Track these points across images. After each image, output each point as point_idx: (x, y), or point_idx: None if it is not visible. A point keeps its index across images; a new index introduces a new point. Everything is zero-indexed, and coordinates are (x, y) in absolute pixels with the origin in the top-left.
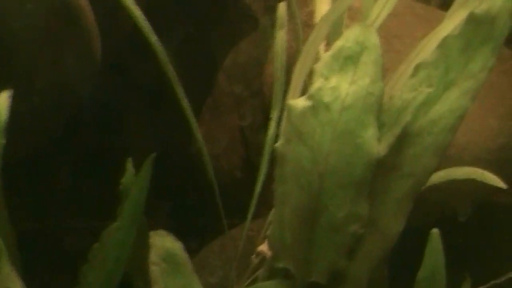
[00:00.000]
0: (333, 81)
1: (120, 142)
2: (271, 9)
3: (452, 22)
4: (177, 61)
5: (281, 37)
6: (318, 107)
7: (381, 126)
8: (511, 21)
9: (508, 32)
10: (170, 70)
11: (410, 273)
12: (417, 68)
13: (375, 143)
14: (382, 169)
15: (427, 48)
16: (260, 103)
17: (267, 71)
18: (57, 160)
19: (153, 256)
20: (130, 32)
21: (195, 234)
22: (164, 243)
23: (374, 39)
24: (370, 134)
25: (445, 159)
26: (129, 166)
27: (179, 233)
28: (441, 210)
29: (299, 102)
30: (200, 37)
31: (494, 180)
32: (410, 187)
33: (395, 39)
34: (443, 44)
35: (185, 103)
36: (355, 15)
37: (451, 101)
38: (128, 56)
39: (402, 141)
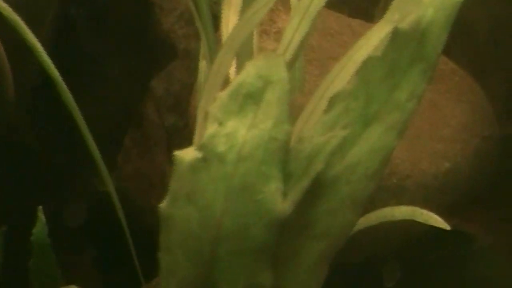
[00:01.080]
0: (229, 126)
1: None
2: None
3: (374, 39)
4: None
5: (203, 67)
6: (210, 159)
7: (287, 177)
8: (446, 34)
9: (442, 49)
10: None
11: None
12: (333, 101)
13: (279, 199)
14: (290, 229)
15: (343, 75)
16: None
17: (193, 103)
18: None
19: None
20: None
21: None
22: None
23: (281, 72)
24: (273, 188)
25: (385, 190)
26: (41, 215)
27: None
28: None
29: (187, 154)
30: (115, 68)
31: (437, 221)
32: (324, 249)
33: (331, 60)
34: (363, 69)
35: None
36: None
37: (373, 140)
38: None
39: (314, 194)
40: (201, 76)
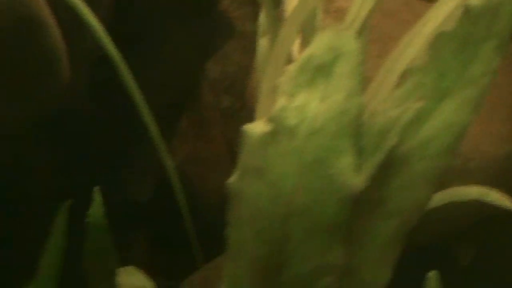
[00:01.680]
0: (300, 99)
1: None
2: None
3: (439, 14)
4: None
5: (262, 45)
6: (280, 132)
7: (360, 152)
8: None
9: None
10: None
11: None
12: (404, 76)
13: (352, 174)
14: (363, 206)
15: (411, 50)
16: (252, 115)
17: (252, 82)
18: None
19: None
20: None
21: (174, 268)
22: (133, 281)
23: (351, 44)
24: (345, 163)
25: (449, 172)
26: (98, 196)
27: (155, 268)
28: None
29: (256, 127)
30: (171, 47)
31: (505, 202)
32: (397, 227)
33: (391, 40)
34: (434, 44)
35: (151, 123)
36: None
37: (447, 115)
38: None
39: (387, 169)
40: (260, 54)
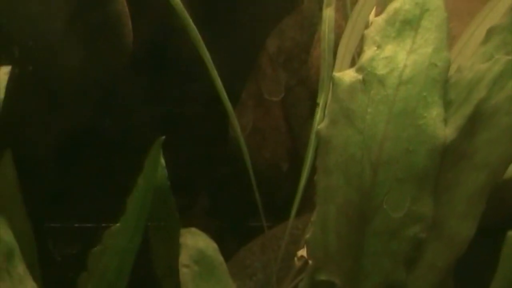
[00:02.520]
0: (388, 50)
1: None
2: None
3: None
4: (214, 42)
5: (328, 15)
6: (370, 81)
7: (448, 104)
8: None
9: None
10: (206, 55)
11: (480, 285)
12: (490, 33)
13: (441, 125)
14: (450, 158)
15: (499, 9)
16: (307, 91)
17: (314, 53)
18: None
19: (184, 258)
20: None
21: (234, 232)
22: (196, 243)
23: (437, 1)
24: (434, 114)
25: None
26: (161, 160)
27: (216, 231)
28: None
29: (346, 75)
30: (238, 16)
31: None
32: (483, 180)
33: (463, 14)
34: None
35: (222, 90)
36: None
37: None
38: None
39: (474, 123)
40: (325, 24)
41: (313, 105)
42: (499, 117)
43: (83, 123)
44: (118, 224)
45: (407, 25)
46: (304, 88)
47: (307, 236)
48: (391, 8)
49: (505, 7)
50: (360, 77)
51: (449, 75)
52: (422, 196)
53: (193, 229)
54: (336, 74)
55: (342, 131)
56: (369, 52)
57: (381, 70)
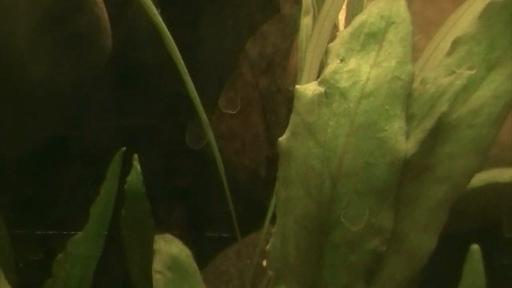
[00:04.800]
0: (352, 63)
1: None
2: None
3: None
4: (191, 48)
5: (306, 24)
6: (332, 94)
7: (410, 117)
8: None
9: None
10: (178, 60)
11: None
12: (455, 44)
13: (402, 138)
14: (411, 171)
15: (464, 19)
16: (286, 98)
17: (292, 61)
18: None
19: (157, 264)
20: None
21: (210, 239)
22: (170, 249)
23: (402, 13)
24: (396, 127)
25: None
26: (136, 163)
27: (192, 238)
28: (482, 219)
29: (308, 88)
30: (216, 21)
31: None
32: (444, 193)
33: (432, 26)
34: (486, 14)
35: (196, 97)
36: None
37: (497, 84)
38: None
39: (436, 136)
40: (303, 33)
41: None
42: (461, 130)
43: (52, 131)
44: (80, 233)
45: (371, 38)
46: (284, 95)
47: (267, 247)
48: (356, 21)
49: (471, 17)
50: (322, 90)
51: (413, 88)
52: (382, 209)
53: (167, 235)
54: (298, 87)
55: (303, 144)
56: (332, 65)
57: (343, 83)
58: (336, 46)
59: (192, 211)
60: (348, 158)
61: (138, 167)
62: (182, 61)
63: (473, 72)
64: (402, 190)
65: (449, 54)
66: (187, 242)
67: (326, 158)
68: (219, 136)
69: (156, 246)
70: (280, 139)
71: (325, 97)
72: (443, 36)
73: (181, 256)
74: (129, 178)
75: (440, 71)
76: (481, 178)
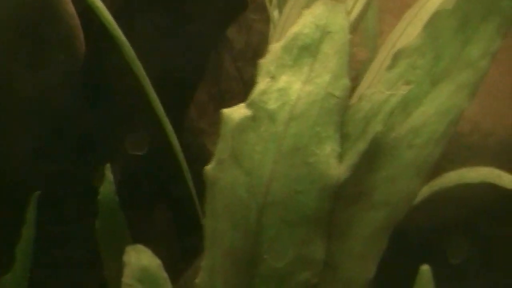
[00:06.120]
0: (282, 81)
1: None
2: None
3: None
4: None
5: (276, 17)
6: (260, 117)
7: (344, 137)
8: None
9: None
10: (137, 66)
11: None
12: (397, 57)
13: (334, 162)
14: (345, 197)
15: (412, 28)
16: None
17: None
18: None
19: (127, 276)
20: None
21: (185, 250)
22: (139, 260)
23: (340, 21)
24: (328, 150)
25: (466, 149)
26: (108, 173)
27: (168, 249)
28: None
29: (236, 111)
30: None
31: None
32: (382, 220)
33: (388, 15)
34: (432, 23)
35: (153, 96)
36: None
37: (441, 100)
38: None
39: (373, 158)
40: (273, 27)
41: None
42: (400, 151)
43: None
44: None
45: (305, 51)
46: None
47: (196, 280)
48: (290, 33)
49: (418, 29)
50: (250, 113)
51: (350, 105)
52: (313, 239)
53: (138, 246)
54: (225, 111)
55: (229, 172)
56: (261, 84)
57: (272, 104)
58: (266, 62)
59: (166, 220)
60: (276, 186)
61: (111, 176)
62: (143, 70)
63: (408, 88)
64: (336, 218)
65: (390, 68)
66: (162, 252)
67: (252, 187)
68: (200, 132)
69: (126, 258)
70: (205, 168)
71: (253, 121)
72: (391, 49)
73: (151, 267)
74: (101, 189)
75: (380, 86)
76: (451, 178)
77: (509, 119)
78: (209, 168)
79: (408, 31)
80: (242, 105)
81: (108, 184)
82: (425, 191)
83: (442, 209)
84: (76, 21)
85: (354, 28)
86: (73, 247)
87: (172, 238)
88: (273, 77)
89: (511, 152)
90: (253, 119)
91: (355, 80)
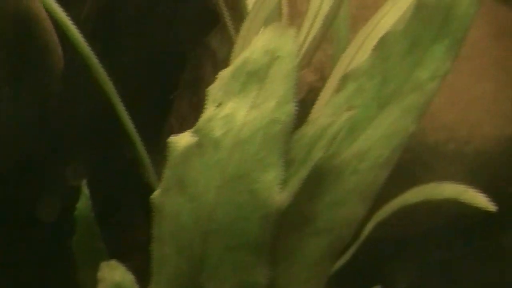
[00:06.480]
0: (229, 108)
1: None
2: None
3: (397, 9)
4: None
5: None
6: (205, 144)
7: (289, 163)
8: (476, 7)
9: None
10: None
11: None
12: (345, 80)
13: (277, 189)
14: (289, 223)
15: (364, 50)
16: None
17: None
18: None
19: None
20: None
21: None
22: (113, 276)
23: (289, 45)
24: (270, 177)
25: (442, 158)
26: (85, 189)
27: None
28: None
29: (182, 139)
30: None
31: (482, 202)
32: (326, 246)
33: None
34: (381, 45)
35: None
36: None
37: (388, 123)
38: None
39: (318, 184)
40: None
41: None
42: (345, 176)
43: None
44: None
45: (253, 76)
46: None
47: None
48: (240, 58)
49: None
50: (195, 140)
51: (298, 131)
52: (256, 265)
53: (112, 262)
54: (171, 138)
55: (174, 200)
56: (208, 111)
57: (217, 131)
58: (214, 89)
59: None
60: (219, 212)
61: (87, 192)
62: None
63: (352, 113)
64: (280, 243)
65: (337, 91)
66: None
67: (196, 214)
68: None
69: (100, 274)
70: (152, 195)
71: (198, 148)
72: (343, 71)
73: (124, 283)
74: (78, 204)
75: (327, 110)
76: (413, 195)
77: (486, 127)
78: (155, 195)
79: (360, 53)
80: (188, 132)
81: (84, 199)
82: (390, 207)
83: (403, 226)
84: (53, 37)
85: (313, 51)
86: None
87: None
88: (220, 104)
89: (487, 160)
90: (198, 146)
91: (303, 104)
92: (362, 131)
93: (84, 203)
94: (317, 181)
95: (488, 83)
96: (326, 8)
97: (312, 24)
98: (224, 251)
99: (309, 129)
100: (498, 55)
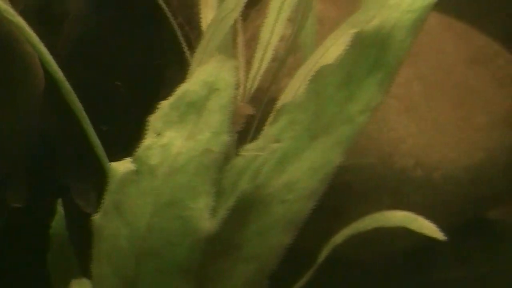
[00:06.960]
0: (167, 137)
1: None
2: None
3: (336, 45)
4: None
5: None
6: (142, 171)
7: (220, 193)
8: (411, 40)
9: (405, 55)
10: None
11: None
12: (279, 113)
13: (206, 217)
14: (217, 249)
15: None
16: None
17: None
18: None
19: None
20: None
21: None
22: None
23: (229, 78)
24: (202, 205)
25: (409, 183)
26: (59, 208)
27: None
28: None
29: (121, 165)
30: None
31: (431, 230)
32: (253, 273)
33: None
34: (316, 78)
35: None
36: None
37: (316, 156)
38: None
39: (247, 212)
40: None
41: None
42: (273, 206)
43: None
44: None
45: (192, 108)
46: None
47: None
48: (180, 89)
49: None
50: (134, 167)
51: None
52: None
53: (83, 280)
54: (113, 164)
55: (112, 223)
56: (147, 140)
57: (154, 159)
58: (154, 119)
59: None
60: (152, 237)
61: (62, 211)
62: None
63: (278, 145)
64: (209, 269)
65: (271, 123)
66: None
67: (131, 237)
68: None
69: None
70: (93, 217)
71: (136, 175)
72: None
73: None
74: (53, 223)
75: (259, 142)
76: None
77: (454, 152)
78: (96, 217)
79: (302, 87)
80: (128, 159)
81: (59, 218)
82: (343, 234)
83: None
84: (35, 59)
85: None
86: None
87: None
88: (159, 134)
89: (455, 187)
90: (136, 173)
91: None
92: (292, 163)
93: (58, 221)
94: (246, 210)
95: (459, 110)
96: (276, 38)
97: (263, 55)
98: (156, 273)
99: (238, 161)
100: (471, 81)
